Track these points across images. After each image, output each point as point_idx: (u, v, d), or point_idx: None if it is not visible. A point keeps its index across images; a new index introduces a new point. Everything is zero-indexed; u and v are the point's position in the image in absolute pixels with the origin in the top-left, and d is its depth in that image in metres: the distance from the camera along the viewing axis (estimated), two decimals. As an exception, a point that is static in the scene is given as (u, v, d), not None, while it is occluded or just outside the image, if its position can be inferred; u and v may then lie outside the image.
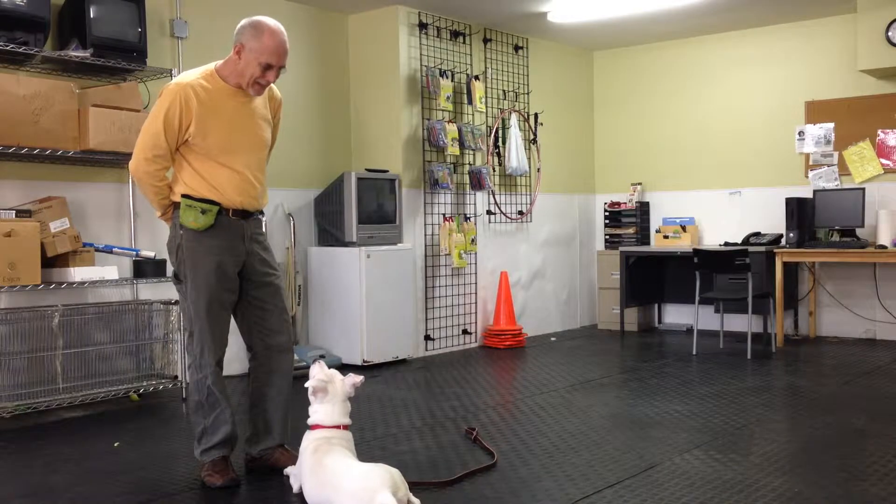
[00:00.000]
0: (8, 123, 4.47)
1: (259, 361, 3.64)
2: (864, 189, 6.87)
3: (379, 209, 6.40)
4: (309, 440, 3.19)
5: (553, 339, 7.67)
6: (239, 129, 3.47)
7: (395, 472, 2.96)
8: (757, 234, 7.48)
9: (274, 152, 6.64)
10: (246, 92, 3.48)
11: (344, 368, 6.21)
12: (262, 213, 3.67)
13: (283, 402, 3.64)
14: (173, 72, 5.30)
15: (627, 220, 8.21)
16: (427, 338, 6.83)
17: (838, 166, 7.28)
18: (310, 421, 3.25)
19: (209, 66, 3.53)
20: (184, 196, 3.42)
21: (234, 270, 3.49)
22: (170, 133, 3.36)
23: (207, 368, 3.44)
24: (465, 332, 7.17)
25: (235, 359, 5.90)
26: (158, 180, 3.44)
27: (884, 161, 7.11)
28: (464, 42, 7.13)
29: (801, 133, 7.49)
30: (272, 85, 3.62)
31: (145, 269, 5.12)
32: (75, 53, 4.84)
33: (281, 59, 3.41)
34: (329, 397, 3.24)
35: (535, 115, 7.82)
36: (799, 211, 6.91)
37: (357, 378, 3.32)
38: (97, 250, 4.95)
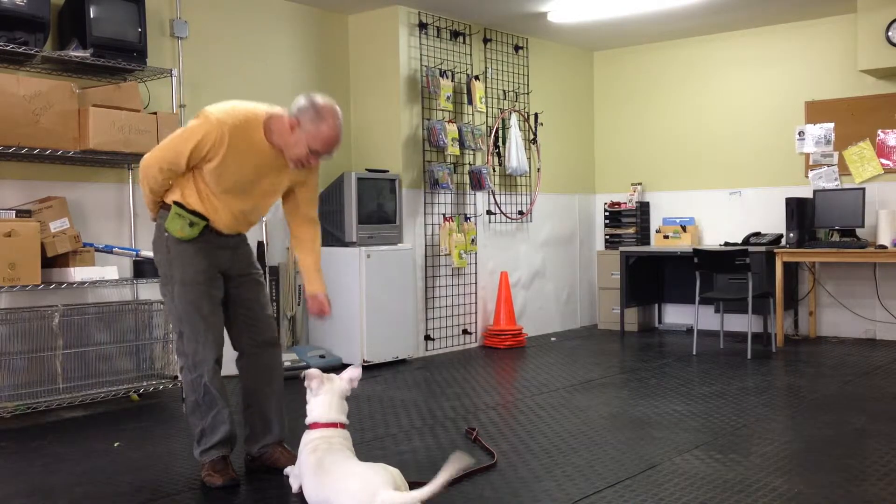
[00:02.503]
0: (8, 123, 4.47)
1: (250, 360, 3.63)
2: (864, 189, 6.87)
3: (379, 209, 6.40)
4: (308, 439, 3.19)
5: (553, 339, 7.67)
6: (256, 182, 3.42)
7: (396, 472, 2.96)
8: (757, 234, 7.48)
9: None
10: (282, 155, 3.39)
11: (344, 369, 6.23)
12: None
13: (278, 397, 3.64)
14: (173, 72, 5.30)
15: (627, 220, 8.22)
16: (427, 338, 6.83)
17: (838, 166, 7.28)
18: (308, 420, 3.24)
19: (261, 112, 3.39)
20: (176, 203, 3.39)
21: (217, 272, 3.51)
22: (192, 159, 3.33)
23: (204, 366, 3.42)
24: (465, 332, 7.17)
25: (234, 359, 5.90)
26: (160, 186, 3.43)
27: (884, 161, 7.11)
28: (464, 42, 7.13)
29: (801, 133, 7.49)
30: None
31: (145, 269, 5.12)
32: (75, 53, 4.84)
33: (331, 151, 3.32)
34: (326, 388, 3.23)
35: (535, 115, 7.82)
36: (799, 211, 6.91)
37: (354, 371, 3.30)
38: (97, 250, 4.95)
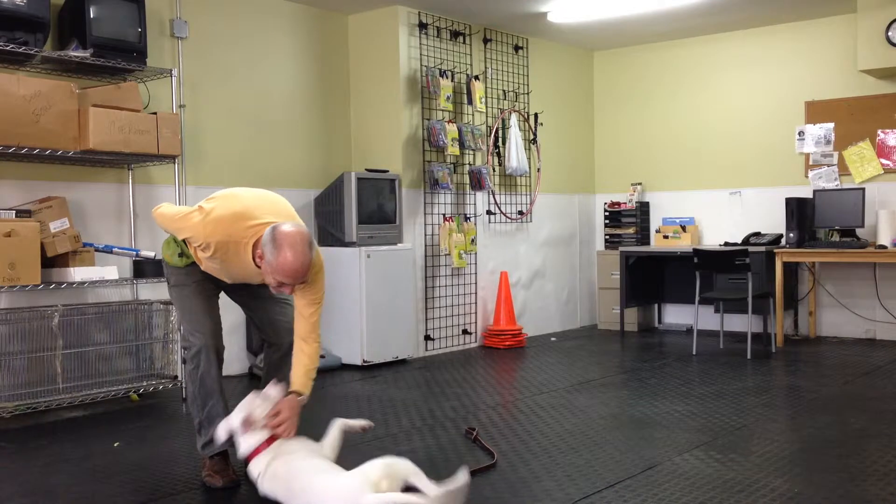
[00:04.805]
0: (8, 123, 4.46)
1: (271, 350, 3.66)
2: (864, 189, 6.87)
3: (379, 209, 6.40)
4: (261, 462, 3.09)
5: (553, 339, 7.67)
6: (241, 276, 3.41)
7: (379, 467, 2.87)
8: (757, 234, 7.48)
9: (274, 152, 6.66)
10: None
11: (344, 369, 6.24)
12: None
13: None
14: (173, 72, 5.30)
15: (627, 220, 8.21)
16: (427, 338, 6.83)
17: (838, 166, 7.28)
18: (242, 453, 3.13)
19: (257, 230, 3.21)
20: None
21: (211, 282, 3.54)
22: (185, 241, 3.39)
23: (198, 358, 3.45)
24: (465, 332, 7.17)
25: (236, 359, 5.91)
26: None
27: (884, 161, 7.11)
28: (464, 42, 7.13)
29: (801, 133, 7.49)
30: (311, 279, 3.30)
31: (145, 269, 5.12)
32: (75, 53, 4.84)
33: (295, 280, 3.13)
34: (256, 425, 3.16)
35: (535, 115, 7.82)
36: (799, 211, 6.91)
37: (271, 391, 3.23)
38: (97, 250, 4.95)
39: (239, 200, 3.30)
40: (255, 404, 3.20)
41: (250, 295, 3.63)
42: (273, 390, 3.26)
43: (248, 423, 3.16)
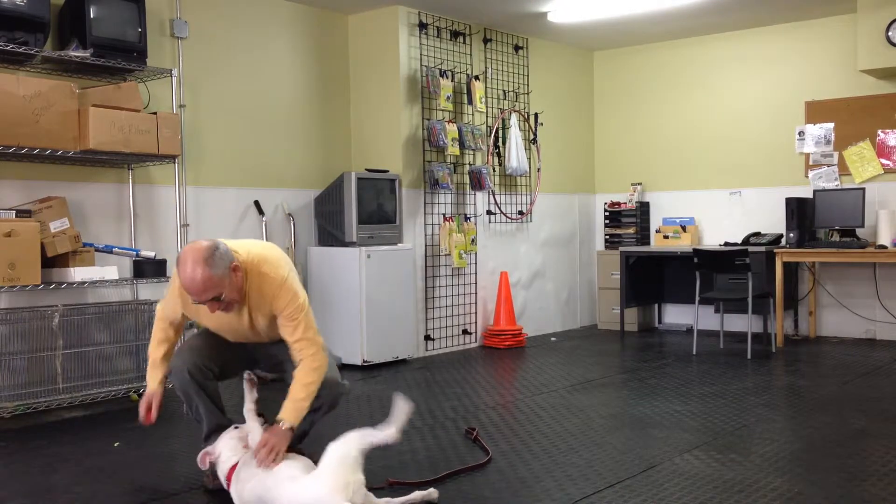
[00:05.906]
0: (8, 123, 4.47)
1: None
2: (864, 189, 6.87)
3: (379, 209, 6.40)
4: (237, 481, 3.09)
5: (553, 339, 7.67)
6: (225, 327, 3.39)
7: (340, 472, 2.81)
8: (757, 234, 7.48)
9: (274, 152, 6.66)
10: None
11: (344, 368, 6.24)
12: None
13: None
14: (173, 72, 5.30)
15: (627, 220, 8.22)
16: (427, 338, 6.83)
17: (838, 166, 7.28)
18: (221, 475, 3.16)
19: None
20: None
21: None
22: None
23: (174, 371, 3.46)
24: (465, 332, 7.17)
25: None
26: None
27: (884, 161, 7.11)
28: (464, 42, 7.13)
29: (801, 133, 7.49)
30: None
31: (145, 269, 5.12)
32: (75, 53, 4.84)
33: (198, 297, 3.08)
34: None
35: (535, 115, 7.82)
36: (799, 211, 6.91)
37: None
38: (97, 250, 4.96)
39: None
40: (230, 442, 3.19)
41: (250, 349, 3.59)
42: (253, 425, 3.22)
43: (207, 457, 3.17)
